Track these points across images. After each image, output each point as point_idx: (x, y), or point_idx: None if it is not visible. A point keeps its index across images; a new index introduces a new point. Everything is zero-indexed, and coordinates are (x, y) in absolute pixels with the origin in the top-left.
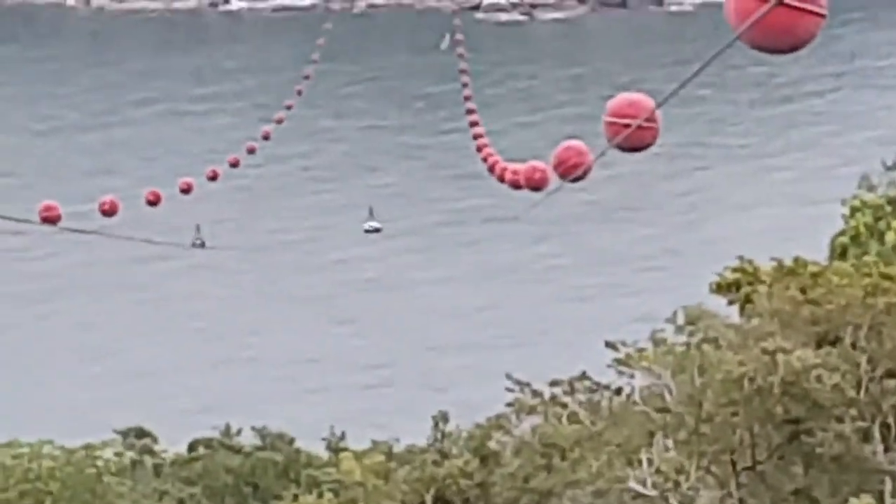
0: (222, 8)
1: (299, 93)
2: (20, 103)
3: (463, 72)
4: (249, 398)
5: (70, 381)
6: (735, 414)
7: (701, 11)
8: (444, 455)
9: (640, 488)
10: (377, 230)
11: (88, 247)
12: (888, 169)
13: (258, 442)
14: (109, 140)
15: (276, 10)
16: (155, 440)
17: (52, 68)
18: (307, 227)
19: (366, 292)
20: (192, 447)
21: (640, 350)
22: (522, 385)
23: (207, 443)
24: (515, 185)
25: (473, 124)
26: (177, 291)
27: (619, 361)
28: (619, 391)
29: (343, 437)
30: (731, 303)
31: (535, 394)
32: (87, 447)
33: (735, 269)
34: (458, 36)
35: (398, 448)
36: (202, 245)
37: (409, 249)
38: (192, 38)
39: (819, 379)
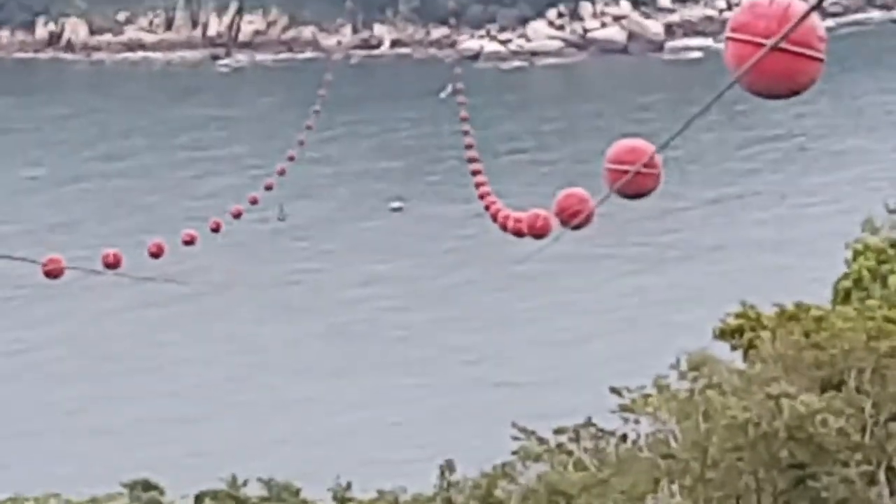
0: (223, 60)
1: (301, 143)
2: (17, 153)
3: (464, 119)
4: (255, 446)
5: (74, 433)
6: (740, 459)
7: (704, 58)
8: None
9: None
10: (400, 209)
11: (89, 296)
12: (891, 212)
13: (265, 493)
14: (108, 190)
15: (277, 62)
16: (162, 492)
17: (51, 119)
18: (309, 271)
19: (364, 337)
20: (198, 499)
21: (645, 396)
22: (528, 433)
23: (214, 495)
24: (518, 233)
25: (475, 172)
26: (180, 338)
27: (623, 408)
28: (624, 438)
29: (349, 486)
30: (734, 348)
31: (541, 441)
32: (94, 501)
33: (738, 315)
34: (459, 85)
35: (404, 497)
36: (284, 219)
37: (404, 294)
38: (193, 90)
39: (824, 423)
